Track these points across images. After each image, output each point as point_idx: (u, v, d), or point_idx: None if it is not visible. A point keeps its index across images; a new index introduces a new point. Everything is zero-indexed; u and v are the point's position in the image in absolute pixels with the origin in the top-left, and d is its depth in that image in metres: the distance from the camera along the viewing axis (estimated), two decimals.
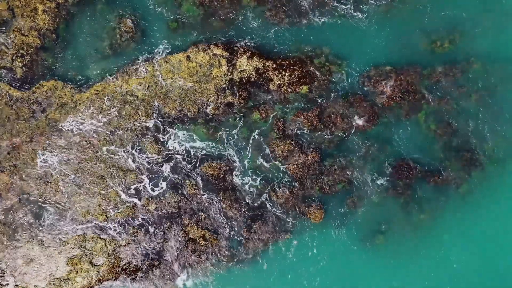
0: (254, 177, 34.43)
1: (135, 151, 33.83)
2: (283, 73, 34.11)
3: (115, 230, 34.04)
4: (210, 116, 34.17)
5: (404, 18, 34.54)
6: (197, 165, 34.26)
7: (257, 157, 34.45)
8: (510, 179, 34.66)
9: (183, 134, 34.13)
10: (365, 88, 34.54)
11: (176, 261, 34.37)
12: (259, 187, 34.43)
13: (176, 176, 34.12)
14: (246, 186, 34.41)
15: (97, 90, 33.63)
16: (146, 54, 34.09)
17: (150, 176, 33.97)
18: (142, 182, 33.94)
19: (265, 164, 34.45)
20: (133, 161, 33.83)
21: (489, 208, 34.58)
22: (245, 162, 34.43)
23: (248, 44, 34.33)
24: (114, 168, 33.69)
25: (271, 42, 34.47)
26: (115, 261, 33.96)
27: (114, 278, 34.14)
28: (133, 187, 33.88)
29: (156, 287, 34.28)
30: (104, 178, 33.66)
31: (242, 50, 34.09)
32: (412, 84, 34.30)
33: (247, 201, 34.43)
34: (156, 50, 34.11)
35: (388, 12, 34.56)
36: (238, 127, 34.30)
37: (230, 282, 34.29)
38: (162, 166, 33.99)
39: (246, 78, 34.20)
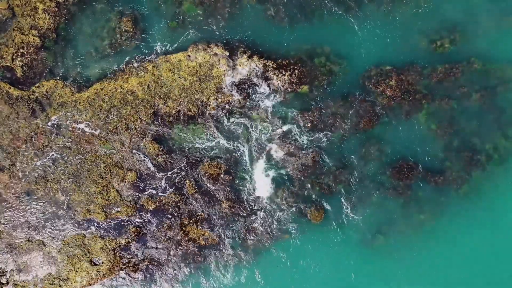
0: (254, 176, 34.39)
1: (138, 150, 33.84)
2: (284, 72, 34.06)
3: (115, 229, 34.01)
4: (209, 116, 34.13)
5: (404, 18, 34.47)
6: (198, 164, 34.28)
7: (257, 156, 34.41)
8: (511, 180, 34.53)
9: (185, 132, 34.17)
10: (366, 88, 34.47)
11: (175, 260, 34.33)
12: (259, 186, 34.39)
13: (176, 176, 34.14)
14: (246, 186, 34.38)
15: (97, 90, 33.63)
16: (146, 54, 34.08)
17: (153, 176, 34.03)
18: (146, 182, 34.00)
19: (265, 163, 34.41)
20: (137, 160, 33.85)
21: (489, 209, 34.49)
22: (245, 162, 34.40)
23: (248, 43, 34.29)
24: (114, 168, 33.67)
25: (271, 41, 34.43)
26: (115, 261, 33.95)
27: (113, 278, 34.12)
28: (134, 186, 33.91)
29: (155, 286, 34.26)
30: (104, 178, 33.65)
31: (242, 49, 34.06)
32: (413, 84, 34.24)
33: (247, 201, 34.38)
34: (156, 50, 34.11)
35: (389, 12, 34.50)
36: (238, 127, 34.26)
37: (229, 282, 34.26)
38: (164, 167, 34.04)
39: (246, 78, 34.16)
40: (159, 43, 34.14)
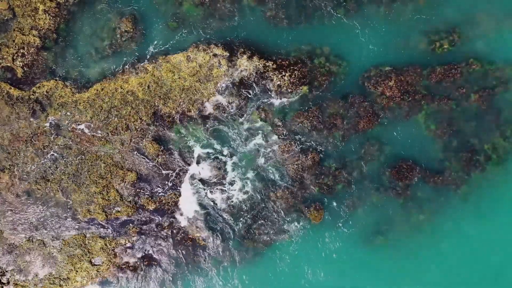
0: (254, 177, 34.45)
1: (137, 152, 33.93)
2: (283, 73, 34.11)
3: (115, 230, 34.08)
4: (209, 116, 34.19)
5: (404, 18, 34.51)
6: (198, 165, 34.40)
7: (257, 157, 34.47)
8: (510, 180, 34.58)
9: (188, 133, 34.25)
10: (365, 89, 34.52)
11: (174, 260, 34.40)
12: (258, 187, 34.46)
13: (177, 176, 34.23)
14: (246, 186, 34.43)
15: (97, 90, 33.69)
16: (146, 54, 34.14)
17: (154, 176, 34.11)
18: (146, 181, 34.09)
19: (265, 164, 34.47)
20: (138, 160, 33.93)
21: (489, 209, 34.52)
22: (245, 162, 34.46)
23: (248, 44, 34.32)
24: (115, 168, 33.74)
25: (271, 42, 34.47)
26: (115, 260, 34.02)
27: (113, 277, 34.18)
28: (134, 186, 33.99)
29: (155, 286, 34.33)
30: (104, 178, 33.71)
31: (242, 50, 34.10)
32: (412, 84, 34.30)
33: (247, 201, 34.44)
34: (156, 50, 34.16)
35: (388, 12, 34.54)
36: (238, 127, 34.33)
37: (228, 283, 34.32)
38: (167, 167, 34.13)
39: (246, 78, 34.22)
40: (159, 44, 34.19)
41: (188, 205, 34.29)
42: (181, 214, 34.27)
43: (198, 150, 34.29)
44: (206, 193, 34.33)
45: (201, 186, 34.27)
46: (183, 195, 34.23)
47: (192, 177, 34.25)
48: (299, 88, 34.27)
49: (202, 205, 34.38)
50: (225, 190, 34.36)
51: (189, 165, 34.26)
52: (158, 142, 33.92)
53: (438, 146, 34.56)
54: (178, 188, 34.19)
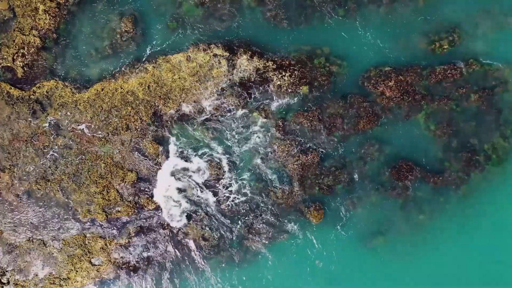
0: (253, 177, 34.47)
1: (136, 151, 33.95)
2: (283, 73, 34.13)
3: (115, 229, 34.11)
4: (209, 116, 34.22)
5: (403, 18, 34.54)
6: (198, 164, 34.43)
7: (256, 157, 34.48)
8: (509, 180, 34.60)
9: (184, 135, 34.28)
10: (365, 89, 34.54)
11: (174, 260, 34.43)
12: (257, 187, 34.48)
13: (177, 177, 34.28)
14: (244, 187, 34.45)
15: (97, 90, 33.72)
16: (146, 54, 34.17)
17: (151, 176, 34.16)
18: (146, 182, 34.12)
19: (264, 164, 34.48)
20: (137, 161, 33.96)
21: (488, 209, 34.54)
22: (244, 163, 34.47)
23: (248, 44, 34.34)
24: (115, 168, 33.76)
25: (271, 42, 34.50)
26: (115, 260, 34.04)
27: (114, 277, 34.22)
28: (134, 186, 34.03)
29: (155, 286, 34.36)
30: (104, 178, 33.74)
31: (242, 50, 34.11)
32: (412, 84, 34.32)
33: (246, 202, 34.46)
34: (156, 50, 34.18)
35: (388, 12, 34.57)
36: (238, 127, 34.34)
37: (228, 283, 34.35)
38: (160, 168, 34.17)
39: (246, 78, 34.24)
40: (159, 44, 34.22)
41: (187, 206, 34.32)
42: (181, 214, 34.32)
43: (196, 151, 34.31)
44: (205, 193, 34.36)
45: (200, 186, 34.29)
46: (182, 195, 34.24)
47: (191, 177, 34.27)
48: (299, 88, 34.29)
49: (201, 206, 34.41)
50: (224, 191, 34.38)
51: (189, 164, 34.29)
52: (158, 142, 33.94)
53: (438, 146, 34.58)
54: (177, 188, 34.22)
